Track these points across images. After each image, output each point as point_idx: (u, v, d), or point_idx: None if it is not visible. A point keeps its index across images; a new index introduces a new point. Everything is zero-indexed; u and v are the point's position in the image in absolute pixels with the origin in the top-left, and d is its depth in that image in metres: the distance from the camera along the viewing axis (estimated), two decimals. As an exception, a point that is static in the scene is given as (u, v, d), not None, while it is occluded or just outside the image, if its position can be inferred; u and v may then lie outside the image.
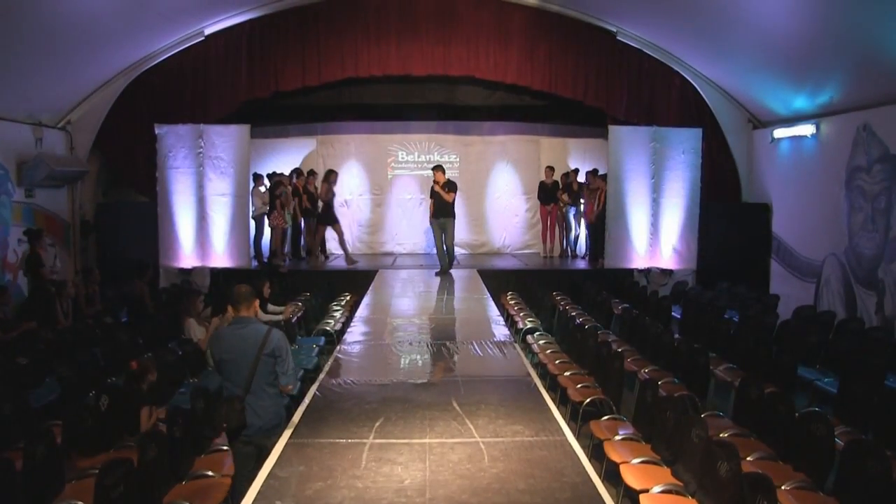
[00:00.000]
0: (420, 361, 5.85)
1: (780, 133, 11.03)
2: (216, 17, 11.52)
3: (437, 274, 10.37)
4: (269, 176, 12.39)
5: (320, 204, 12.12)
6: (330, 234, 12.67)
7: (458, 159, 14.16)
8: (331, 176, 12.00)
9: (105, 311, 8.96)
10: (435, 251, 10.97)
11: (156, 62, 11.57)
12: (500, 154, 14.23)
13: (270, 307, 7.95)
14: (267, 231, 11.94)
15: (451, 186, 10.35)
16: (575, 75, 11.94)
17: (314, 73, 11.74)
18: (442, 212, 10.27)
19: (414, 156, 14.21)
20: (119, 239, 11.48)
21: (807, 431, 4.27)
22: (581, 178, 12.97)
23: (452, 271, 10.75)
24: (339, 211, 13.57)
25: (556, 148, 14.11)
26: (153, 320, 8.04)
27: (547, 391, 5.16)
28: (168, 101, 11.58)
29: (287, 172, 12.67)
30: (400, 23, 11.78)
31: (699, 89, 11.91)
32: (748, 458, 4.33)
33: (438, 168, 10.38)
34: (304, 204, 12.13)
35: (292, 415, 4.44)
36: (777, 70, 10.02)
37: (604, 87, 12.02)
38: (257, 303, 4.16)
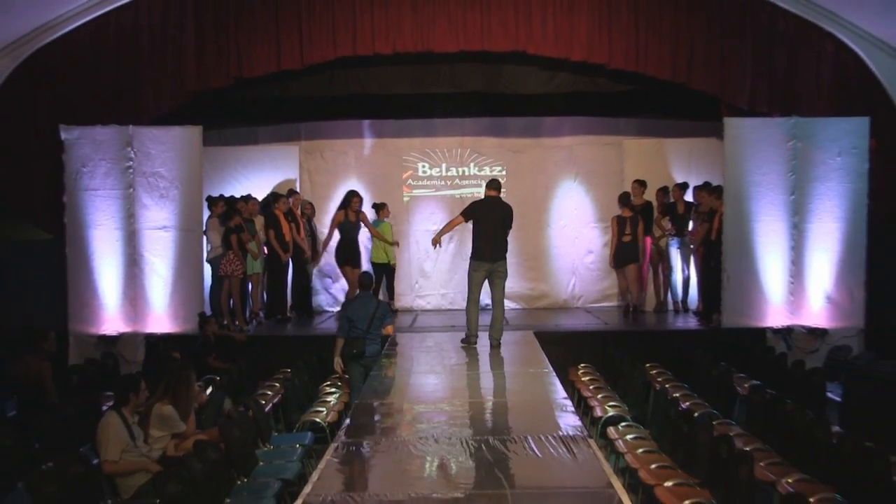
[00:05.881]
0: (452, 467, 5.78)
1: None
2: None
3: (463, 344, 10.22)
4: (226, 200, 12.51)
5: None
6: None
7: (503, 172, 14.17)
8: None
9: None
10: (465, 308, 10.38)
11: (59, 34, 11.49)
12: (565, 164, 14.21)
13: (164, 410, 7.00)
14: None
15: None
16: (674, 46, 11.66)
17: (293, 52, 11.64)
18: (493, 249, 10.03)
19: (440, 169, 14.36)
20: (6, 295, 11.48)
21: None
22: (689, 195, 12.97)
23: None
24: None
25: (648, 153, 14.08)
26: (57, 414, 7.80)
27: (639, 510, 4.95)
28: (79, 91, 11.56)
29: (255, 195, 12.96)
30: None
31: (865, 57, 11.60)
32: None
33: (493, 184, 10.29)
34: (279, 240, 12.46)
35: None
36: None
37: (717, 62, 11.74)
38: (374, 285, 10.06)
